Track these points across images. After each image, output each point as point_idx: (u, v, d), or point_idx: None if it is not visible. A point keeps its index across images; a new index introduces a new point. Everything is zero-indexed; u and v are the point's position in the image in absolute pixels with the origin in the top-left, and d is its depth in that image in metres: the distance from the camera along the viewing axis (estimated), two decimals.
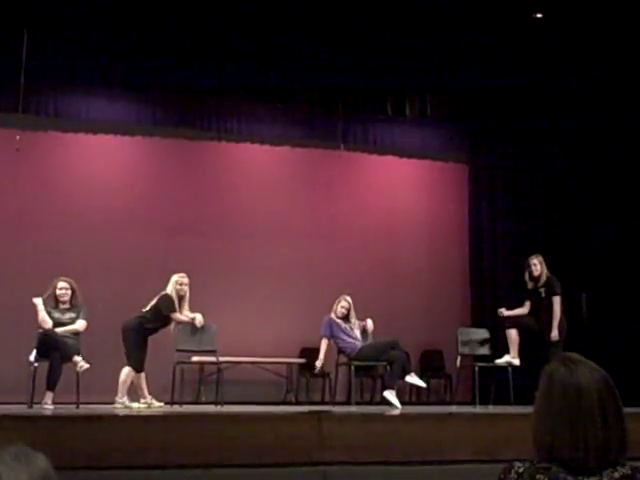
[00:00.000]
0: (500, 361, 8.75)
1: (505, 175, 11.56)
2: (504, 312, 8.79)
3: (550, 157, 11.33)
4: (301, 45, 10.00)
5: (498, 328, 9.10)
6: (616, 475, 1.99)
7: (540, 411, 2.11)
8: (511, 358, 8.68)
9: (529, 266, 8.70)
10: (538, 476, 2.01)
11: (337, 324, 8.62)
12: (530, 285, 8.74)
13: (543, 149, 11.36)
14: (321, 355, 8.58)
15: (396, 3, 9.36)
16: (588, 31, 9.63)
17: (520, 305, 8.87)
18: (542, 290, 8.64)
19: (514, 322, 8.69)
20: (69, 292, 7.91)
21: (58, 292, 7.88)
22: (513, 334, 8.67)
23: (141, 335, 8.14)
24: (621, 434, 2.02)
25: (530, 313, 8.75)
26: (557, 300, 8.53)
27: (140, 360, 8.11)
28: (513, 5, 9.45)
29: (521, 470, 2.05)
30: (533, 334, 8.69)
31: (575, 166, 11.14)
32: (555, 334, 8.40)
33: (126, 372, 8.00)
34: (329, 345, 8.66)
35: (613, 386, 2.06)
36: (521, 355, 8.72)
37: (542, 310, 8.60)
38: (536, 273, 8.65)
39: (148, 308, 8.20)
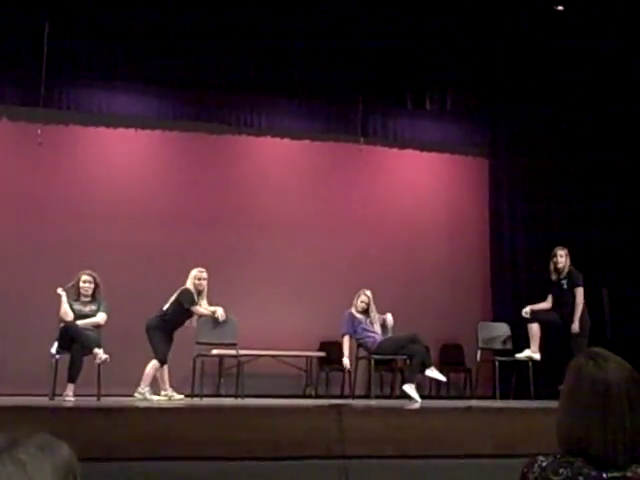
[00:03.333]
0: (520, 355, 8.71)
1: (526, 169, 11.48)
2: (528, 312, 8.72)
3: (571, 151, 11.24)
4: (321, 38, 9.98)
5: (519, 322, 9.06)
6: None
7: (567, 405, 2.11)
8: (532, 353, 8.63)
9: (554, 256, 8.62)
10: (561, 470, 2.01)
11: (357, 319, 8.61)
12: (554, 277, 8.68)
13: (564, 142, 11.27)
14: (346, 352, 8.60)
15: None
16: (609, 23, 9.55)
17: (542, 299, 8.82)
18: (564, 282, 8.58)
19: (536, 316, 8.64)
20: (92, 286, 7.97)
21: (82, 285, 7.93)
22: (534, 328, 8.63)
23: (165, 331, 8.19)
24: None
25: (553, 307, 8.70)
26: (579, 292, 8.48)
27: (166, 352, 8.17)
28: None
29: (544, 464, 2.05)
30: (556, 328, 8.64)
31: (597, 159, 11.05)
32: (576, 326, 8.35)
33: (153, 365, 8.07)
34: (351, 341, 8.67)
35: None
36: (542, 349, 8.68)
37: (564, 303, 8.55)
38: (560, 265, 8.59)
39: (168, 305, 8.24)
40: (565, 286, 8.58)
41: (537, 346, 8.62)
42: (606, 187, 11.06)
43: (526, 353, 8.67)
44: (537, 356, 8.62)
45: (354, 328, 8.61)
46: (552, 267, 8.67)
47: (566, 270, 8.61)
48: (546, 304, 8.77)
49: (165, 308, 8.24)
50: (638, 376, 2.06)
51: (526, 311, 8.70)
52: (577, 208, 11.14)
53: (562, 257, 8.61)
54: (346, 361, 8.59)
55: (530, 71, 10.62)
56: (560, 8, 9.54)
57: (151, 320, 8.19)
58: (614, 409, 2.01)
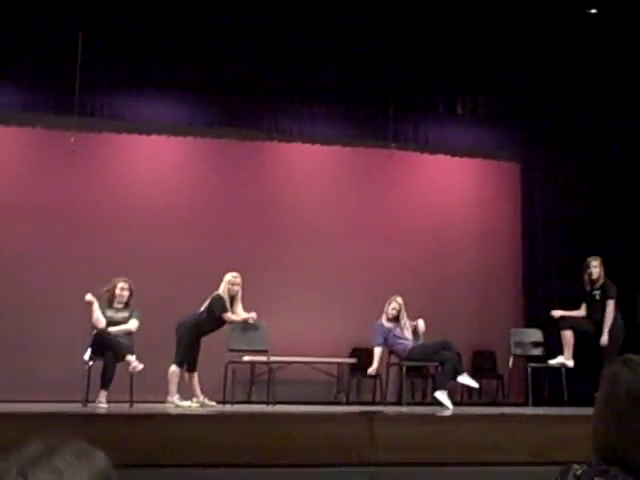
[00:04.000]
0: (553, 362, 8.63)
1: (558, 173, 11.39)
2: (556, 313, 8.67)
3: (605, 155, 11.13)
4: (352, 44, 9.99)
5: (551, 329, 8.98)
6: None
7: (602, 412, 2.08)
8: (565, 359, 8.55)
9: (588, 267, 8.55)
10: (596, 479, 1.98)
11: (387, 328, 8.59)
12: (588, 287, 8.60)
13: (597, 146, 11.16)
14: (375, 363, 8.60)
15: (448, 1, 9.30)
16: None
17: (575, 307, 8.75)
18: (597, 293, 8.51)
19: (570, 323, 8.56)
20: (128, 293, 8.02)
21: (117, 292, 7.98)
22: (568, 335, 8.54)
23: (195, 334, 8.19)
24: None
25: (586, 316, 8.63)
26: (611, 304, 8.40)
27: (192, 360, 8.19)
28: (566, 0, 9.32)
29: (579, 473, 2.02)
30: (588, 337, 8.55)
31: (630, 163, 10.94)
32: (605, 339, 8.28)
33: (172, 370, 8.06)
34: (382, 351, 8.66)
35: None
36: (575, 356, 8.60)
37: (596, 313, 8.48)
38: (595, 276, 8.52)
39: (202, 309, 8.25)
40: (597, 297, 8.51)
41: (570, 353, 8.53)
42: None
43: (559, 360, 8.59)
44: (570, 363, 8.54)
45: (385, 337, 8.59)
46: (586, 278, 8.60)
47: (601, 281, 8.53)
48: (579, 312, 8.70)
49: (200, 311, 8.25)
50: None
51: (555, 314, 8.64)
52: (611, 212, 11.02)
53: (596, 267, 8.53)
54: (371, 370, 8.61)
55: (563, 75, 10.54)
56: (593, 11, 9.46)
57: (185, 319, 8.20)
58: None
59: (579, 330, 8.57)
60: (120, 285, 8.01)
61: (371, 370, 8.63)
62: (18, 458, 1.17)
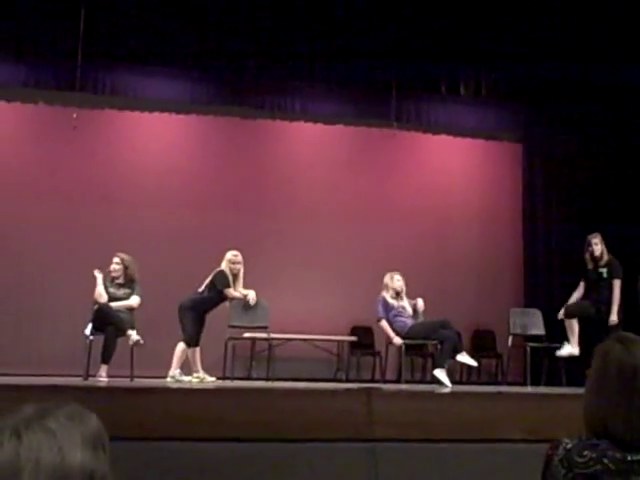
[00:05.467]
0: (563, 353, 8.46)
1: (560, 154, 11.36)
2: (561, 315, 8.65)
3: (607, 136, 11.11)
4: (355, 23, 9.96)
5: (551, 309, 9.00)
6: None
7: (594, 389, 2.12)
8: (572, 349, 8.43)
9: (590, 245, 8.50)
10: (586, 452, 2.02)
11: (390, 304, 8.62)
12: (590, 265, 8.55)
13: (599, 128, 11.14)
14: (391, 333, 8.56)
15: None
16: None
17: (575, 287, 8.72)
18: (604, 271, 8.45)
19: (573, 312, 8.51)
20: (120, 268, 8.07)
21: (110, 268, 8.05)
22: (574, 324, 8.46)
23: (198, 312, 8.25)
24: None
25: (586, 295, 8.59)
26: (618, 284, 8.35)
27: (195, 336, 8.23)
28: None
29: (569, 446, 2.06)
30: (591, 320, 8.50)
31: (633, 145, 10.92)
32: (614, 319, 8.27)
33: (181, 348, 8.13)
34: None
35: None
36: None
37: (602, 291, 8.43)
38: (597, 253, 8.46)
39: (203, 287, 8.30)
40: (605, 275, 8.44)
41: (577, 341, 8.43)
42: None
43: (567, 350, 8.43)
44: (577, 351, 8.44)
45: (387, 313, 8.62)
46: (588, 256, 8.53)
47: (605, 258, 8.48)
48: (578, 292, 8.67)
49: (200, 290, 8.30)
50: None
51: (562, 314, 8.62)
52: (614, 194, 11.01)
53: (597, 245, 8.49)
54: (397, 339, 8.53)
55: (566, 56, 10.49)
56: None
57: (185, 300, 8.25)
58: None
59: (585, 317, 8.51)
60: (114, 261, 8.08)
61: (397, 341, 8.51)
62: (12, 419, 1.20)
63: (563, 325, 8.55)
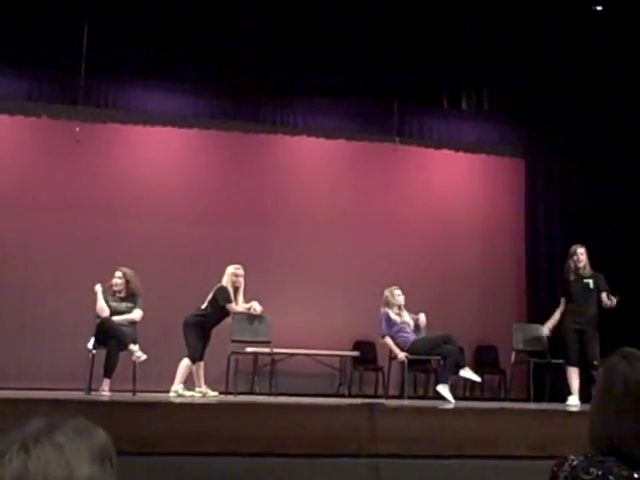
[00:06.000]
0: (571, 404, 8.08)
1: (562, 169, 11.38)
2: (546, 330, 8.65)
3: (608, 151, 11.12)
4: (357, 38, 9.99)
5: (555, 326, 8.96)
6: None
7: (600, 405, 2.11)
8: (575, 400, 8.17)
9: (574, 254, 8.42)
10: (592, 469, 2.00)
11: (393, 320, 8.61)
12: (572, 276, 8.44)
13: (601, 142, 11.15)
14: (396, 349, 8.56)
15: None
16: None
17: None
18: (590, 281, 8.38)
19: (576, 358, 8.29)
20: (122, 282, 8.06)
21: (112, 281, 8.05)
22: (575, 374, 8.27)
23: (203, 329, 8.24)
24: None
25: (570, 311, 8.48)
26: (604, 296, 8.30)
27: (200, 351, 8.21)
28: None
29: (575, 463, 2.04)
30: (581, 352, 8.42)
31: (634, 159, 10.93)
32: (613, 299, 8.19)
33: (185, 364, 8.11)
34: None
35: None
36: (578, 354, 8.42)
37: (589, 303, 8.35)
38: (581, 264, 8.39)
39: (206, 303, 8.28)
40: (591, 286, 8.38)
41: (577, 391, 8.21)
42: None
43: (574, 402, 8.14)
44: (577, 402, 8.13)
45: (389, 328, 8.61)
46: (572, 266, 8.42)
47: (589, 270, 8.43)
48: (559, 312, 8.59)
49: (203, 306, 8.29)
50: None
51: (546, 332, 8.64)
52: (615, 208, 11.01)
53: (583, 255, 8.41)
54: (401, 356, 8.52)
55: (567, 71, 10.52)
56: (599, 8, 9.45)
57: (189, 317, 8.24)
58: None
59: (579, 359, 8.36)
60: (115, 275, 8.08)
61: (401, 356, 8.50)
62: (20, 434, 1.20)
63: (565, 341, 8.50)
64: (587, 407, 2.26)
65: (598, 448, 2.07)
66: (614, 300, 8.20)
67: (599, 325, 8.39)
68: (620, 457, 2.01)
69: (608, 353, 2.22)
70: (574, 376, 8.29)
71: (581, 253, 8.44)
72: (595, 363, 7.92)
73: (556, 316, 8.63)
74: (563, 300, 8.61)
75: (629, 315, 8.63)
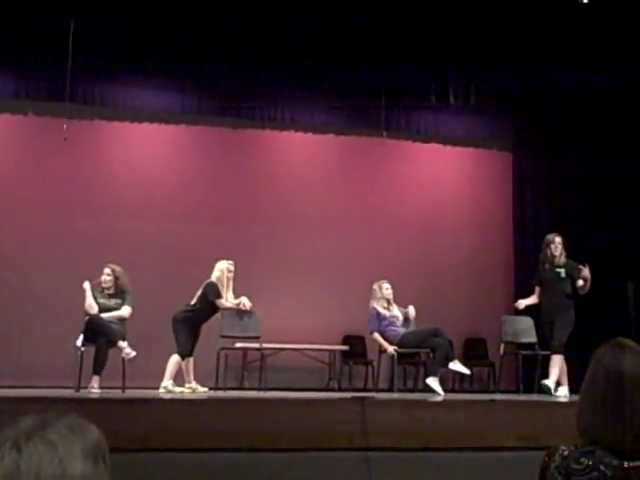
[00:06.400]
0: (560, 395, 8.00)
1: (550, 163, 11.42)
2: (521, 305, 8.64)
3: (596, 145, 11.16)
4: (344, 32, 9.99)
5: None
6: None
7: (586, 395, 2.12)
8: (566, 390, 8.12)
9: (552, 243, 8.39)
10: (582, 459, 2.01)
11: (382, 314, 8.63)
12: (546, 265, 8.43)
13: (589, 136, 11.19)
14: (385, 344, 8.59)
15: None
16: (635, 16, 9.47)
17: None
18: (562, 271, 8.33)
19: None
20: (111, 279, 8.04)
21: (101, 278, 8.03)
22: (560, 361, 8.20)
23: (192, 325, 8.23)
24: None
25: (541, 300, 8.48)
26: (580, 283, 8.26)
27: (189, 347, 8.21)
28: None
29: (565, 454, 2.05)
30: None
31: (621, 153, 10.97)
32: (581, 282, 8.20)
33: (174, 360, 8.11)
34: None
35: None
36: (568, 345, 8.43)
37: (558, 292, 8.29)
38: (557, 252, 8.34)
39: (195, 300, 8.28)
40: (563, 275, 8.32)
41: (566, 378, 8.17)
42: (631, 182, 10.96)
43: (564, 392, 8.07)
44: (566, 391, 8.10)
45: (379, 323, 8.63)
46: (548, 254, 8.39)
47: (563, 259, 8.39)
48: (533, 298, 8.61)
49: (193, 302, 8.28)
50: None
51: (519, 305, 8.63)
52: (601, 202, 11.05)
53: (559, 244, 8.39)
54: (390, 350, 8.54)
55: (554, 65, 10.54)
56: (585, 1, 9.47)
57: (178, 313, 8.23)
58: (626, 400, 2.02)
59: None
60: (104, 272, 8.06)
61: (390, 350, 8.53)
62: (12, 431, 1.20)
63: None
64: (574, 398, 2.27)
65: (586, 439, 2.08)
66: (586, 271, 8.17)
67: (578, 312, 8.36)
68: (605, 448, 2.01)
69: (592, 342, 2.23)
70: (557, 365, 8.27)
71: (559, 242, 8.41)
72: (555, 343, 8.00)
73: (533, 298, 8.62)
74: (537, 289, 8.60)
75: (617, 310, 8.64)
